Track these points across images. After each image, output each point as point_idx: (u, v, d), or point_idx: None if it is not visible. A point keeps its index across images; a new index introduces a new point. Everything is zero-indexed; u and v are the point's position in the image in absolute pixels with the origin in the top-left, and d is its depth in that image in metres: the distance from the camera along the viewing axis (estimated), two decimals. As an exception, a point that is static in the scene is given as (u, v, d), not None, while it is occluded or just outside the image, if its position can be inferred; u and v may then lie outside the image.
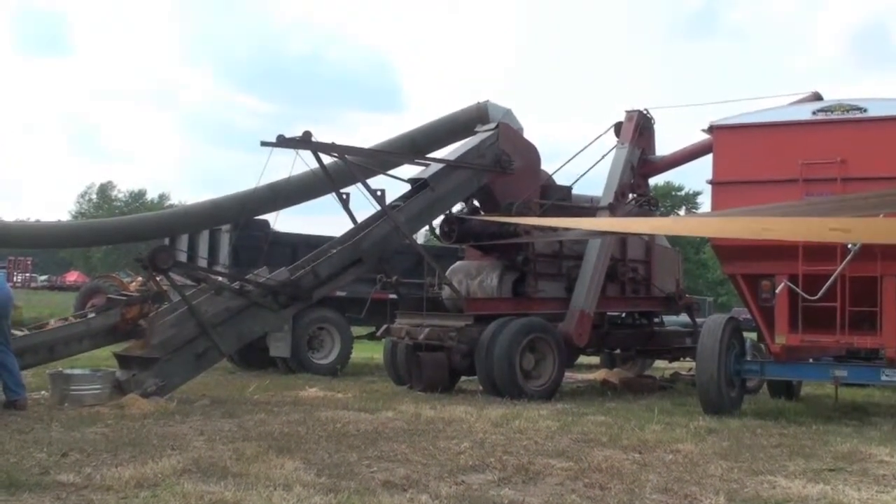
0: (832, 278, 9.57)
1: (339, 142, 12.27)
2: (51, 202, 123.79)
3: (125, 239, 18.16)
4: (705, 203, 56.87)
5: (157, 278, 10.81)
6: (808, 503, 5.70)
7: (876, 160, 9.78)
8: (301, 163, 11.98)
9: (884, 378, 10.15)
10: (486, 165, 13.13)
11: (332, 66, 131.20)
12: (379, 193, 12.30)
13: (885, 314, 9.71)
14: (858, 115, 10.02)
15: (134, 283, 20.44)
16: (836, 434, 8.89)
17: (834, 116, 10.14)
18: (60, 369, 10.64)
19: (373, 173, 13.02)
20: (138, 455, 6.74)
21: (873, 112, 9.98)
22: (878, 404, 12.40)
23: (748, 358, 11.11)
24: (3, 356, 9.55)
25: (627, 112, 14.59)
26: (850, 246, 9.44)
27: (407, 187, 13.10)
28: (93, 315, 11.26)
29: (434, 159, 13.58)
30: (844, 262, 9.54)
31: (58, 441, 7.34)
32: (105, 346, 11.36)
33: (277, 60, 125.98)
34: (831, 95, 11.41)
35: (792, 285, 9.94)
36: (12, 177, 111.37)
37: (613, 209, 13.75)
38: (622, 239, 14.19)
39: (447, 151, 14.21)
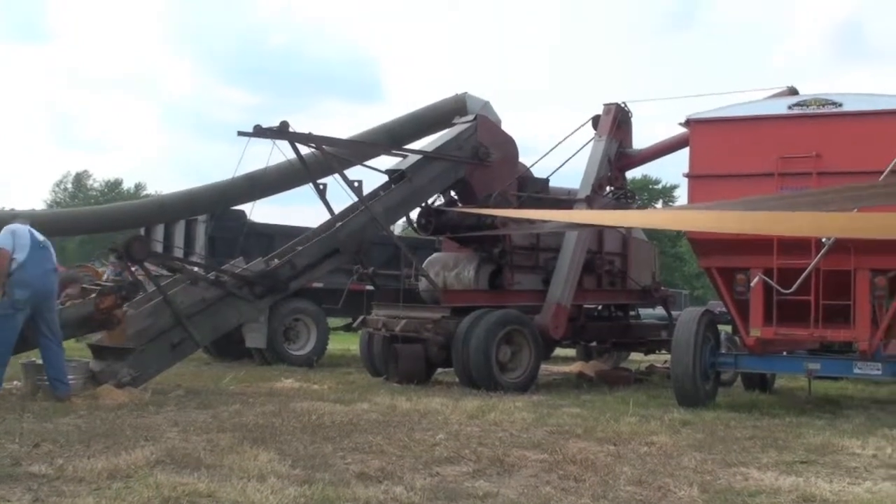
0: (806, 272, 9.64)
1: (317, 132, 12.25)
2: (26, 191, 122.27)
3: (101, 228, 17.97)
4: (682, 196, 57.14)
5: (133, 268, 10.72)
6: (781, 495, 5.74)
7: (851, 155, 9.82)
8: (278, 153, 11.97)
9: (856, 371, 10.24)
10: (464, 157, 13.12)
11: (311, 58, 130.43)
12: (356, 184, 12.28)
13: (858, 308, 9.79)
14: (834, 109, 10.06)
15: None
16: (809, 426, 8.96)
17: (809, 111, 10.17)
18: (33, 359, 10.50)
19: (350, 164, 12.98)
20: (111, 446, 6.70)
21: (848, 107, 10.03)
22: (851, 397, 12.51)
23: (723, 351, 11.18)
24: (44, 350, 9.53)
25: (605, 105, 14.60)
26: (824, 240, 9.51)
27: (384, 178, 13.09)
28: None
29: (412, 150, 13.55)
30: (818, 256, 9.62)
31: (30, 432, 7.28)
32: (79, 337, 11.26)
33: (258, 52, 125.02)
34: (808, 90, 11.49)
35: (766, 278, 10.00)
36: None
37: (591, 202, 13.77)
38: (599, 231, 14.22)
39: (425, 143, 14.19)
